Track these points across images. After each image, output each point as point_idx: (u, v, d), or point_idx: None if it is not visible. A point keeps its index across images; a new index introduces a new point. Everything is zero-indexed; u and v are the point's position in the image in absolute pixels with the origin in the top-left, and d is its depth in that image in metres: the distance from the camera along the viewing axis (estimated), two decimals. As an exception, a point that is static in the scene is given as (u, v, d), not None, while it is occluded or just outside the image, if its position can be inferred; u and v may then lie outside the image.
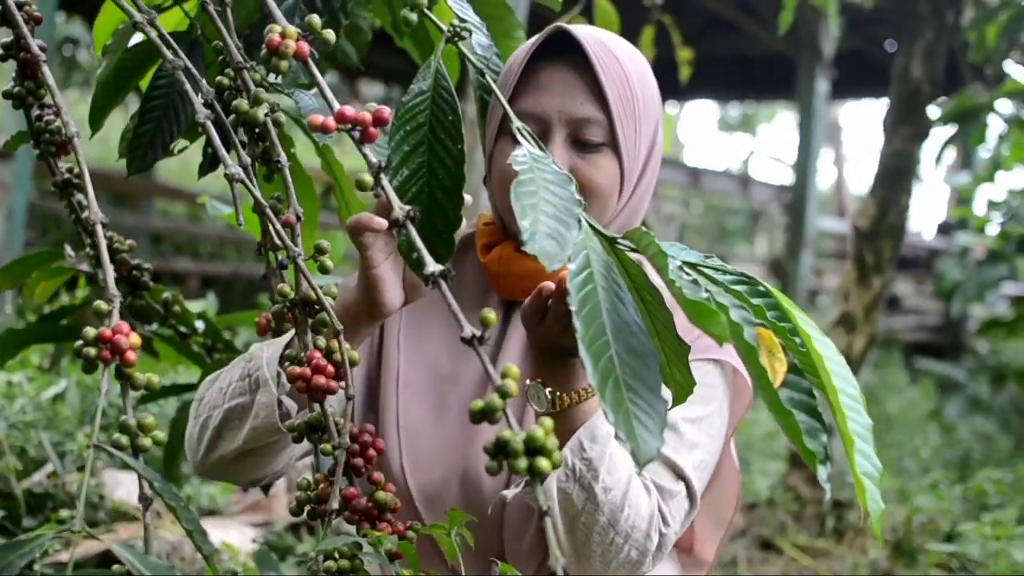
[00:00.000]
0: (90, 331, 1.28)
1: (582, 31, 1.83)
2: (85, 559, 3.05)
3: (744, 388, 1.94)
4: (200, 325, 2.39)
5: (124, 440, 1.28)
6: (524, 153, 1.22)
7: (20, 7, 1.96)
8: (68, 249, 2.31)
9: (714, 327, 1.12)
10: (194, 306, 4.96)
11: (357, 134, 1.29)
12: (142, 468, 1.24)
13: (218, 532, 3.45)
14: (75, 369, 4.05)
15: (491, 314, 1.17)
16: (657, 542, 1.71)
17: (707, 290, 1.15)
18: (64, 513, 3.16)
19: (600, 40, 1.84)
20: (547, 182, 1.19)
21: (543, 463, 1.09)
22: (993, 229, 7.66)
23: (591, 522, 1.66)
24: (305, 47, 1.34)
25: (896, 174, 4.56)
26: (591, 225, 1.21)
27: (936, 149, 5.73)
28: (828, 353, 1.20)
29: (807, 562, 4.18)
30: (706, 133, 48.66)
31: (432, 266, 1.21)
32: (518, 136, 1.30)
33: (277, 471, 1.83)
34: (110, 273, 1.33)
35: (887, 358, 9.97)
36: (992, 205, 7.76)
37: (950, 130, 5.44)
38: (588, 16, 3.15)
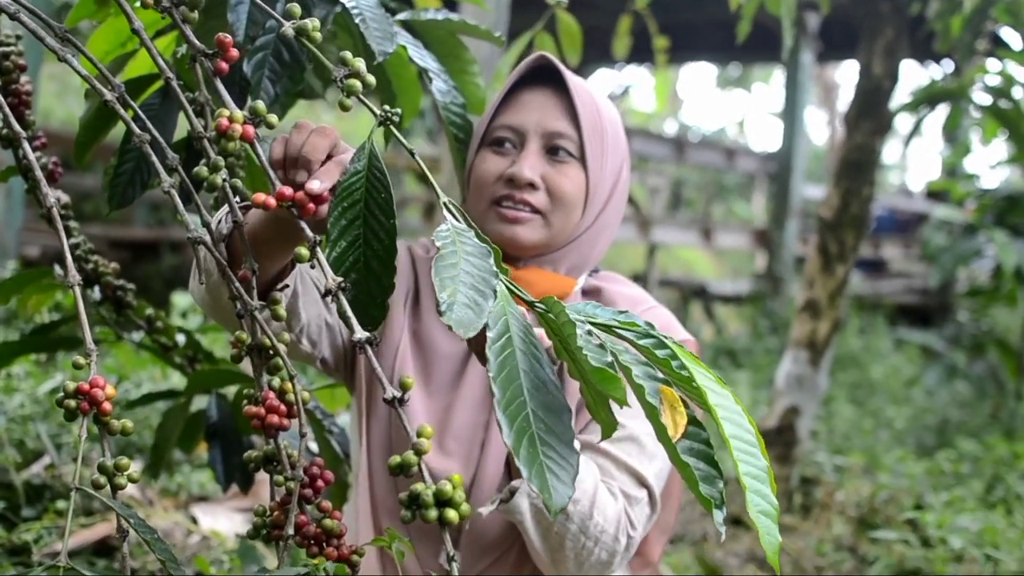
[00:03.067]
0: (70, 385, 1.43)
1: (566, 68, 2.07)
2: (80, 548, 3.21)
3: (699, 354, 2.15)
4: (181, 339, 2.54)
5: (103, 480, 1.43)
6: (447, 227, 1.36)
7: (6, 56, 2.11)
8: (57, 268, 2.46)
9: (615, 391, 1.27)
10: (183, 298, 5.11)
11: (296, 211, 1.45)
12: (119, 507, 1.40)
13: (207, 519, 3.60)
14: (69, 364, 4.20)
15: (410, 379, 1.34)
16: (625, 543, 1.90)
17: (612, 352, 1.30)
18: (61, 504, 3.31)
19: (579, 79, 2.09)
20: (467, 254, 1.32)
21: (451, 513, 1.28)
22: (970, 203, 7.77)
23: (563, 531, 1.83)
24: (251, 130, 1.48)
25: (858, 167, 4.71)
26: (509, 289, 1.35)
27: (926, 127, 5.84)
28: (723, 403, 1.32)
29: (774, 538, 4.32)
30: (704, 91, 48.36)
31: (359, 333, 1.37)
32: (444, 211, 1.44)
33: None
34: (87, 330, 1.48)
35: (872, 323, 10.07)
36: (969, 177, 7.88)
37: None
38: (552, 31, 3.27)
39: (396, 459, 1.29)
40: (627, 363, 1.31)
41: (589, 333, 1.32)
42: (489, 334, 1.28)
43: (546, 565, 1.90)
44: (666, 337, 1.35)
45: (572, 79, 2.05)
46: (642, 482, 1.94)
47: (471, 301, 1.26)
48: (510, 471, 1.92)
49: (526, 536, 1.86)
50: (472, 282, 1.29)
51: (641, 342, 1.35)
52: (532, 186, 2.01)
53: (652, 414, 1.28)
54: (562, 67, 2.06)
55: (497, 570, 2.03)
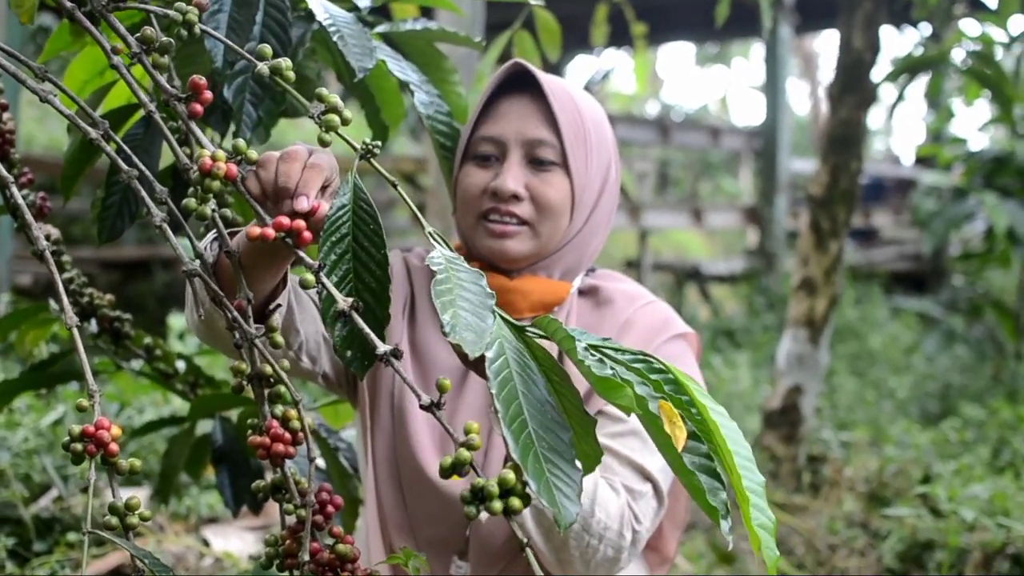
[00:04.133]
0: (75, 428, 1.42)
1: (542, 72, 2.06)
2: (95, 578, 3.21)
3: (699, 347, 2.18)
4: (181, 365, 2.53)
5: (114, 521, 1.43)
6: (439, 255, 1.36)
7: (-12, 96, 2.10)
8: (53, 303, 2.45)
9: (621, 399, 1.26)
10: (179, 320, 5.09)
11: (291, 240, 1.45)
12: (133, 548, 1.40)
13: (219, 540, 3.59)
14: (71, 395, 4.19)
15: (447, 381, 1.34)
16: (630, 539, 1.90)
17: (612, 368, 1.30)
18: (72, 536, 3.30)
19: (557, 81, 2.07)
20: (461, 280, 1.32)
21: (516, 503, 1.28)
22: (957, 168, 7.77)
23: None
24: (234, 169, 1.47)
25: (845, 142, 4.71)
26: (502, 317, 1.35)
27: (910, 94, 5.86)
28: (722, 421, 1.32)
29: (786, 519, 4.33)
30: (684, 70, 48.40)
31: (382, 347, 1.37)
32: (431, 240, 1.44)
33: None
34: (89, 372, 1.47)
35: (867, 292, 10.07)
36: (955, 141, 7.88)
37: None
38: (531, 29, 3.26)
39: (448, 459, 1.29)
40: (626, 377, 1.30)
41: (586, 349, 1.32)
42: (488, 354, 1.28)
43: (554, 566, 1.90)
44: (656, 360, 1.35)
45: (549, 84, 2.03)
46: (646, 476, 1.94)
47: (472, 324, 1.27)
48: None
49: (529, 539, 1.85)
50: (470, 306, 1.29)
51: (634, 365, 1.35)
52: (516, 197, 2.00)
53: (656, 425, 1.28)
54: (538, 72, 2.04)
55: None
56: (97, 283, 8.32)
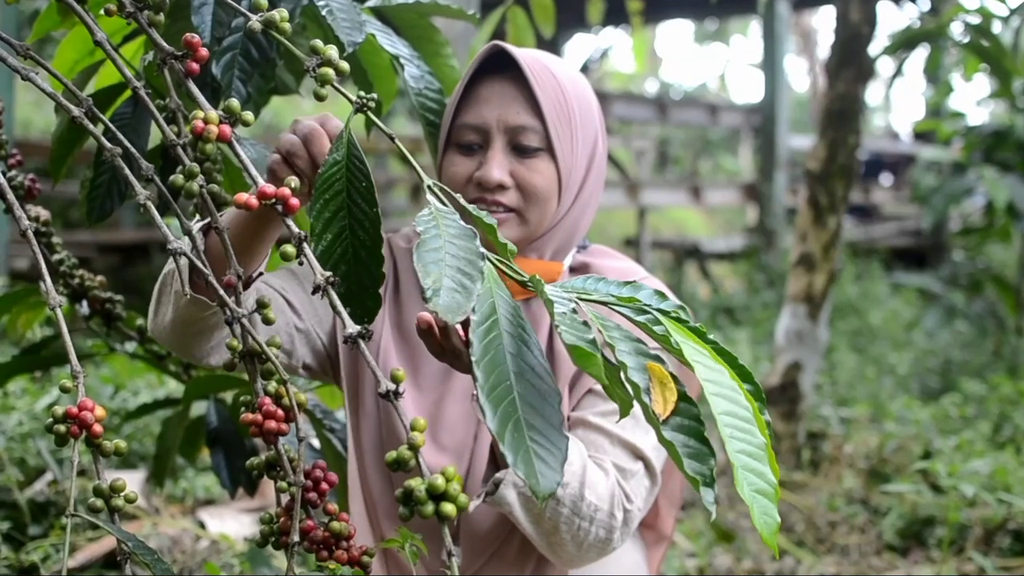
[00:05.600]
0: (59, 409, 1.40)
1: (522, 51, 1.99)
2: (90, 562, 3.19)
3: None
4: (174, 347, 2.51)
5: (99, 503, 1.41)
6: (428, 211, 1.32)
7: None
8: (43, 286, 2.43)
9: (592, 368, 1.22)
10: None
11: (280, 208, 1.42)
12: (117, 531, 1.38)
13: (215, 523, 3.58)
14: (65, 377, 4.16)
15: (400, 372, 1.32)
16: (622, 519, 1.87)
17: (600, 329, 1.26)
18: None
19: (538, 59, 2.00)
20: (452, 236, 1.28)
21: (448, 507, 1.26)
22: (956, 142, 7.74)
23: (555, 515, 1.80)
24: (228, 130, 1.45)
25: (842, 116, 4.68)
26: (507, 274, 1.32)
27: (908, 68, 5.84)
28: (714, 378, 1.26)
29: (786, 496, 4.31)
30: (682, 48, 48.34)
31: (351, 328, 1.34)
32: (429, 193, 1.41)
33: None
34: (72, 353, 1.45)
35: (867, 268, 10.05)
36: (954, 115, 7.85)
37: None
38: (524, 5, 3.23)
39: (392, 455, 1.27)
40: (613, 340, 1.27)
41: (573, 311, 1.28)
42: (473, 317, 1.24)
43: (545, 549, 1.88)
44: (665, 312, 1.32)
45: (529, 65, 1.97)
46: (637, 454, 1.92)
47: (458, 284, 1.23)
48: (496, 462, 1.90)
49: (519, 525, 1.83)
50: (458, 265, 1.25)
51: (639, 318, 1.32)
52: (502, 187, 1.95)
53: (635, 392, 1.24)
54: (518, 53, 1.98)
55: (498, 564, 2.01)
56: (95, 266, 8.30)
